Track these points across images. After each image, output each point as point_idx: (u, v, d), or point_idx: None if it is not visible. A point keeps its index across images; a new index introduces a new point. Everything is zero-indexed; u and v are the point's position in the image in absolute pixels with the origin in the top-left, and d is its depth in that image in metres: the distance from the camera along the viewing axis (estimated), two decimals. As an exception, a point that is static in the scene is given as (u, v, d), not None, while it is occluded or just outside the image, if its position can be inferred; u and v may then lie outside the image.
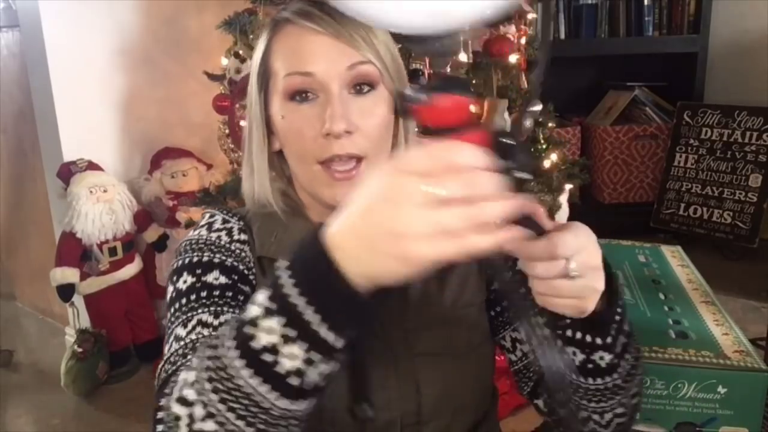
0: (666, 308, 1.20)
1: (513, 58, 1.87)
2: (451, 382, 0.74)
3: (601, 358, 0.64)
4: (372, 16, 0.47)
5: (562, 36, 3.12)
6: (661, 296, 1.25)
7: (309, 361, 0.48)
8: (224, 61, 2.01)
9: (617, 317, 0.63)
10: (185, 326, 0.67)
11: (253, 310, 0.49)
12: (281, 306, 0.48)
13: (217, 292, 0.69)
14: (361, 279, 0.46)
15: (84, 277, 2.26)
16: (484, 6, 0.45)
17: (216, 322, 0.66)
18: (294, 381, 0.48)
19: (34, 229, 2.68)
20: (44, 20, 2.20)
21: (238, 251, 0.73)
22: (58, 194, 2.28)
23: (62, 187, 2.24)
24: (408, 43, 0.49)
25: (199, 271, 0.71)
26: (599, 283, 0.58)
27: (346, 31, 0.68)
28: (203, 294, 0.69)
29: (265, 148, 0.76)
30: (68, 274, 2.21)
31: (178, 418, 0.51)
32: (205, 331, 0.65)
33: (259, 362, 0.48)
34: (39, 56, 2.25)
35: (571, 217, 2.08)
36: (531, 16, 2.04)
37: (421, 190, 0.43)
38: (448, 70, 0.48)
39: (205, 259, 0.72)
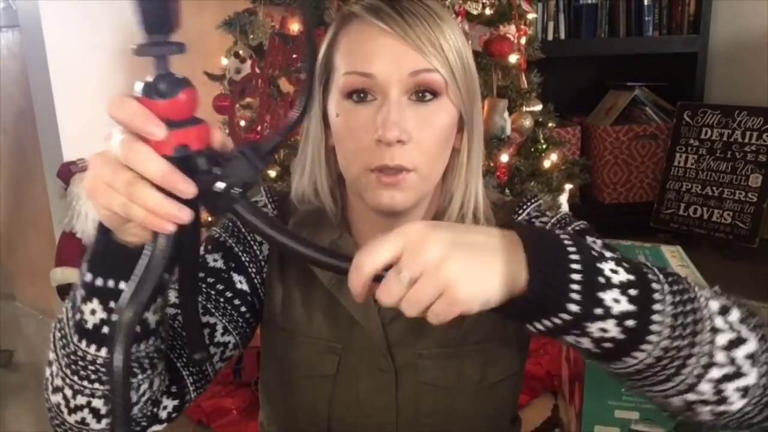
0: (666, 308, 1.20)
1: (513, 58, 1.87)
2: (454, 416, 0.72)
3: (604, 330, 0.50)
4: None
5: (562, 36, 3.12)
6: (661, 296, 1.25)
7: (92, 311, 0.55)
8: (224, 61, 2.01)
9: (575, 278, 0.49)
10: None
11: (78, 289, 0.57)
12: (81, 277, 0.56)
13: (203, 274, 0.73)
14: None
15: (84, 277, 2.26)
16: None
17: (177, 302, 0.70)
18: (89, 326, 0.56)
19: (34, 229, 2.68)
20: (44, 20, 2.20)
21: (251, 242, 0.76)
22: (58, 194, 2.28)
23: (62, 187, 2.24)
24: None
25: (210, 247, 0.75)
26: (451, 273, 0.47)
27: (415, 33, 0.64)
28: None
29: (322, 143, 0.74)
30: (68, 274, 2.20)
31: (58, 405, 0.60)
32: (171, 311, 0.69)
33: (77, 324, 0.56)
34: (39, 56, 2.25)
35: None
36: (531, 16, 2.05)
37: (107, 145, 0.48)
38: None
39: (222, 239, 0.75)
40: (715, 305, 0.55)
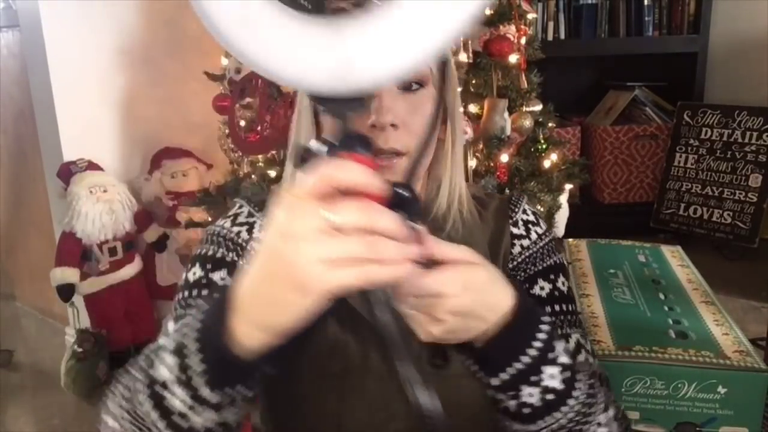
0: (666, 308, 1.21)
1: (513, 58, 1.87)
2: (464, 407, 0.71)
3: (530, 394, 0.59)
4: (273, 72, 0.44)
5: (562, 36, 3.12)
6: (661, 296, 1.25)
7: (191, 408, 0.52)
8: (224, 61, 2.01)
9: (525, 358, 0.58)
10: (176, 322, 0.69)
11: (164, 372, 0.54)
12: (178, 348, 0.53)
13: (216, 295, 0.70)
14: (263, 332, 0.48)
15: (84, 277, 2.26)
16: (391, 70, 0.43)
17: None
18: (179, 420, 0.53)
19: (34, 229, 2.68)
20: (44, 20, 2.20)
21: (252, 251, 0.75)
22: (58, 194, 2.28)
23: (62, 187, 2.24)
24: (315, 101, 0.47)
25: (209, 266, 0.73)
26: (460, 328, 0.55)
27: None
28: (204, 293, 0.71)
29: (312, 135, 0.74)
30: (68, 274, 2.20)
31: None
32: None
33: (156, 394, 0.54)
34: (39, 56, 2.25)
35: (571, 217, 2.08)
36: (531, 16, 2.04)
37: (317, 215, 0.43)
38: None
39: (219, 255, 0.74)
40: (601, 417, 0.63)
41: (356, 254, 0.43)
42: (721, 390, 1.00)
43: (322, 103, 0.46)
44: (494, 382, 0.58)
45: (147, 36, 2.45)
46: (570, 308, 0.76)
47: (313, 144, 0.48)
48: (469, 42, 1.83)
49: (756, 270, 2.75)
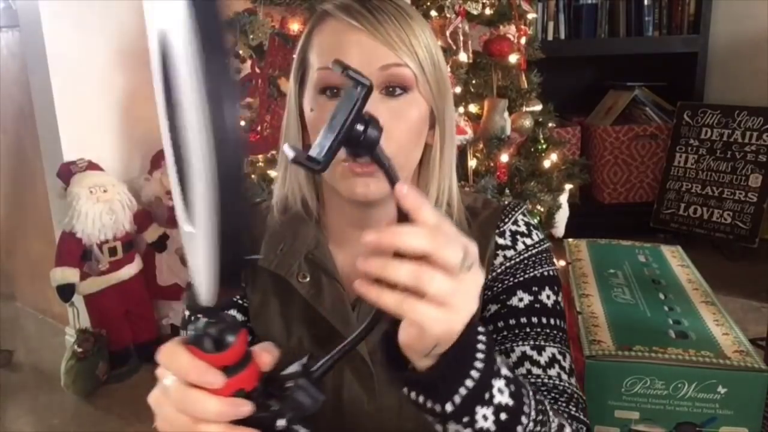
0: (666, 308, 1.21)
1: (513, 58, 1.87)
2: None
3: (485, 417, 0.54)
4: None
5: (562, 36, 3.12)
6: (661, 296, 1.25)
7: None
8: (224, 61, 2.00)
9: (462, 389, 0.52)
10: None
11: None
12: None
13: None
14: None
15: (84, 277, 2.26)
16: None
17: None
18: None
19: (34, 229, 2.68)
20: (44, 20, 2.20)
21: None
22: (58, 194, 2.28)
23: (62, 187, 2.24)
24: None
25: None
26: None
27: (384, 29, 0.66)
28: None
29: (299, 142, 0.74)
30: (68, 274, 2.20)
31: None
32: None
33: None
34: (39, 56, 2.25)
35: (571, 217, 2.08)
36: (531, 16, 2.04)
37: (165, 378, 0.48)
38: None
39: None
40: None
41: (178, 428, 0.47)
42: (721, 390, 1.00)
43: (194, 297, 0.47)
44: (448, 408, 0.52)
45: (147, 36, 2.45)
46: (552, 323, 0.73)
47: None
48: (469, 42, 1.83)
49: (756, 270, 2.75)
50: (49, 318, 2.72)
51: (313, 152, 0.45)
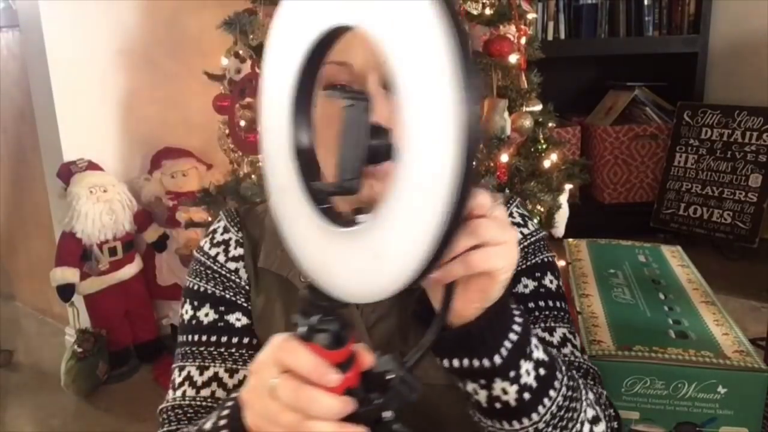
0: (666, 308, 1.21)
1: (513, 58, 1.87)
2: (440, 417, 0.72)
3: (504, 391, 0.56)
4: (325, 284, 0.47)
5: (562, 36, 3.12)
6: (661, 296, 1.25)
7: None
8: (224, 61, 2.00)
9: (511, 335, 0.55)
10: (179, 373, 0.75)
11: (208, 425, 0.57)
12: None
13: (204, 337, 0.75)
14: None
15: (84, 277, 2.26)
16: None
17: (199, 381, 0.73)
18: None
19: (34, 229, 2.68)
20: (44, 20, 2.20)
21: (228, 274, 0.77)
22: (58, 194, 2.28)
23: (62, 187, 2.24)
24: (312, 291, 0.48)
25: (196, 303, 0.77)
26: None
27: None
28: (195, 338, 0.75)
29: None
30: (68, 274, 2.20)
31: None
32: (189, 391, 0.73)
33: None
34: (39, 56, 2.25)
35: (571, 217, 2.08)
36: (531, 16, 2.04)
37: (268, 377, 0.47)
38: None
39: (202, 289, 0.77)
40: (590, 413, 0.63)
41: (287, 427, 0.46)
42: (721, 390, 1.00)
43: (316, 294, 0.47)
44: (497, 360, 0.55)
45: (147, 36, 2.45)
46: (557, 305, 0.75)
47: (299, 320, 0.48)
48: (470, 42, 1.83)
49: (756, 270, 2.75)
50: (49, 318, 2.72)
51: (342, 178, 0.46)
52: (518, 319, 0.56)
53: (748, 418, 1.01)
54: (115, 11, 2.37)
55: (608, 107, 3.25)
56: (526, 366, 0.56)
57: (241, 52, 1.90)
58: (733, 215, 2.85)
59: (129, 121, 2.45)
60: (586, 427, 0.62)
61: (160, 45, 2.48)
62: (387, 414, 0.48)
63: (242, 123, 1.92)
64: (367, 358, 0.48)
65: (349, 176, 0.46)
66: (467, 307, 0.54)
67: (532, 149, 1.98)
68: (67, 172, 2.23)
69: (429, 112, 0.38)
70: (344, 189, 0.46)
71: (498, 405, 0.57)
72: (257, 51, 1.89)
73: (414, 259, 0.40)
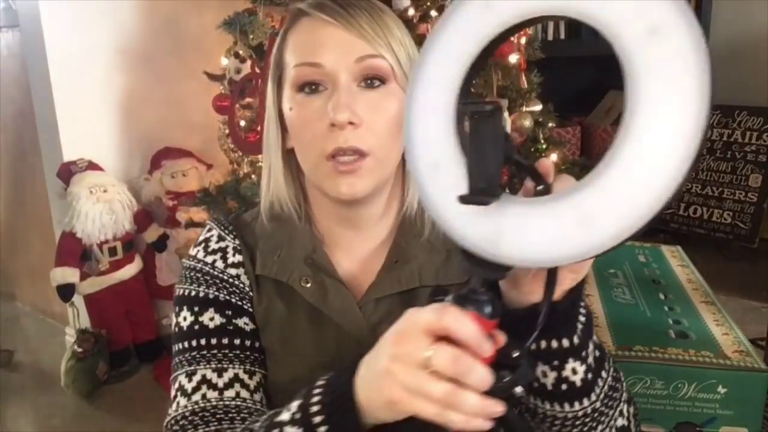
0: (666, 308, 1.21)
1: (513, 58, 1.87)
2: None
3: (574, 371, 0.58)
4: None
5: (562, 36, 3.12)
6: (661, 296, 1.25)
7: None
8: (224, 61, 2.01)
9: (581, 317, 0.58)
10: (189, 379, 0.70)
11: (284, 415, 0.56)
12: (303, 419, 0.54)
13: (214, 340, 0.72)
14: (371, 416, 0.51)
15: (84, 277, 2.26)
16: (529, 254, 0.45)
17: (220, 383, 0.70)
18: None
19: (34, 229, 2.68)
20: (44, 20, 2.20)
21: (231, 279, 0.75)
22: (58, 194, 2.28)
23: (62, 187, 2.24)
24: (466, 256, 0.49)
25: (196, 309, 0.73)
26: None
27: (358, 23, 0.67)
28: (202, 342, 0.72)
29: (279, 145, 0.74)
30: (68, 274, 2.20)
31: None
32: (210, 393, 0.69)
33: None
34: (39, 56, 2.25)
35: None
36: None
37: (420, 347, 0.46)
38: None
39: (201, 294, 0.74)
40: (625, 395, 0.66)
41: (438, 397, 0.45)
42: (721, 390, 1.00)
43: (472, 260, 0.48)
44: (575, 340, 0.57)
45: (147, 36, 2.45)
46: None
47: (453, 299, 0.49)
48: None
49: (756, 270, 2.75)
50: (49, 318, 2.72)
51: (479, 185, 0.47)
52: (582, 301, 0.58)
53: (748, 418, 1.01)
54: (114, 11, 2.37)
55: (608, 107, 3.25)
56: (591, 346, 0.59)
57: (241, 52, 1.90)
58: (733, 215, 2.85)
59: (129, 121, 2.45)
60: (624, 406, 0.65)
61: (160, 45, 2.48)
62: (518, 390, 0.50)
63: (242, 123, 1.92)
64: (501, 337, 0.49)
65: (486, 184, 0.47)
66: (559, 288, 0.55)
67: (533, 149, 1.98)
68: (67, 172, 2.23)
69: (675, 96, 0.42)
70: (483, 199, 0.47)
71: (564, 386, 0.58)
72: (257, 51, 1.89)
73: (629, 225, 0.43)
